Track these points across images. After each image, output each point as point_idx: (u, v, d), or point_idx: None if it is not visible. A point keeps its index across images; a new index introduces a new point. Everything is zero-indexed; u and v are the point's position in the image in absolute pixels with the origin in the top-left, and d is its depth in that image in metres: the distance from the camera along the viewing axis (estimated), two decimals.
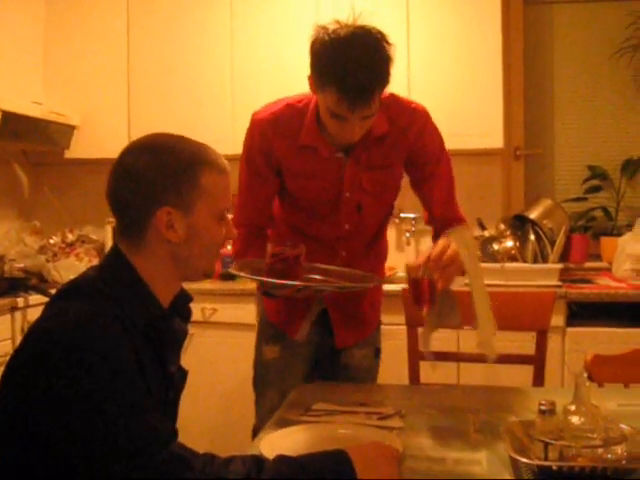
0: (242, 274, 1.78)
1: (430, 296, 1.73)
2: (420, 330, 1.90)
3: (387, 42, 1.73)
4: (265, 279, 1.76)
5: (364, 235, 2.07)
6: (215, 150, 1.37)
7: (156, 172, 1.29)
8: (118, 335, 1.20)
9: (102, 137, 3.67)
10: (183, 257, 1.33)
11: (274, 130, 1.91)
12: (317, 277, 1.87)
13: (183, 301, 1.45)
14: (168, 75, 3.69)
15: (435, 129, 2.01)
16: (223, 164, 1.36)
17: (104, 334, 1.18)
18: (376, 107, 1.75)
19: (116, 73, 3.74)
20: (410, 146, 1.95)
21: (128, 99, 3.73)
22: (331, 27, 1.72)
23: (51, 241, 3.72)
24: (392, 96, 1.92)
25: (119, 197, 1.32)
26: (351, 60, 1.67)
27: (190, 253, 1.33)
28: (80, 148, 3.76)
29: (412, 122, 1.94)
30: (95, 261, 3.64)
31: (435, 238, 2.03)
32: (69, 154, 3.82)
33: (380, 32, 1.73)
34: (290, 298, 1.91)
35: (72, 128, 3.73)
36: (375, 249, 2.15)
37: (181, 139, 1.35)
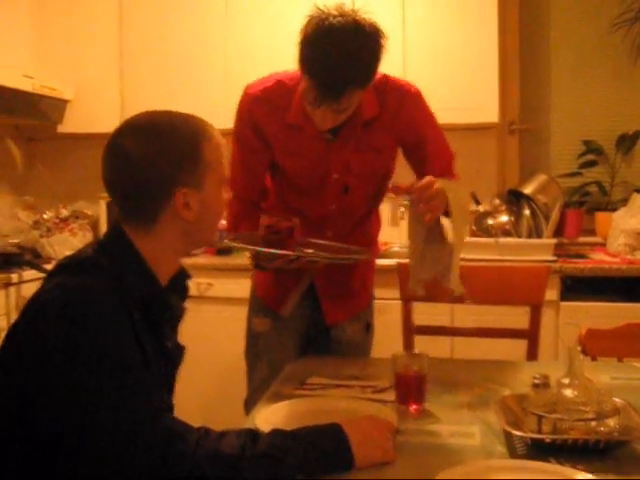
0: (236, 244, 1.78)
1: (417, 394, 1.55)
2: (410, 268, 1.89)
3: (379, 42, 1.69)
4: (259, 249, 1.76)
5: (351, 216, 2.06)
6: (203, 118, 1.37)
7: (164, 158, 1.29)
8: (116, 309, 1.20)
9: (95, 111, 3.65)
10: (194, 232, 1.35)
11: (263, 107, 1.90)
12: (310, 251, 1.87)
13: (181, 278, 1.45)
14: (161, 48, 3.66)
15: (427, 109, 1.97)
16: (216, 131, 1.37)
17: (102, 307, 1.18)
18: (348, 103, 1.73)
19: (109, 46, 3.70)
20: (402, 129, 1.93)
21: (121, 73, 3.70)
22: (327, 12, 1.68)
23: (45, 216, 3.70)
24: (385, 78, 1.90)
25: (127, 187, 1.31)
26: (331, 56, 1.64)
27: (201, 227, 1.35)
28: (73, 122, 3.73)
29: (403, 105, 1.91)
30: (89, 236, 3.63)
31: None
32: (62, 129, 3.78)
33: (375, 29, 1.69)
34: (282, 270, 1.90)
35: (64, 102, 3.70)
36: (363, 229, 2.13)
37: (175, 117, 1.34)
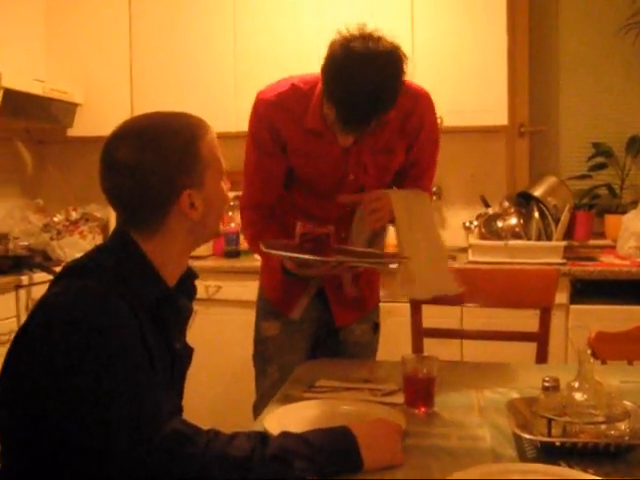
0: (278, 252, 1.77)
1: (427, 397, 1.56)
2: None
3: (401, 69, 1.70)
4: (307, 257, 1.76)
5: None
6: (192, 114, 1.37)
7: (164, 163, 1.28)
8: (122, 312, 1.20)
9: (105, 115, 3.65)
10: (200, 229, 1.36)
11: (279, 111, 1.90)
12: (342, 257, 1.87)
13: (189, 279, 1.45)
14: (170, 52, 3.67)
15: (435, 115, 2.01)
16: (207, 125, 1.37)
17: (108, 310, 1.18)
18: (372, 129, 1.77)
19: (118, 50, 3.72)
20: (412, 130, 1.96)
21: (131, 76, 3.71)
22: (350, 38, 1.68)
23: (55, 219, 3.71)
24: None
25: (129, 195, 1.30)
26: (357, 88, 1.65)
27: (206, 223, 1.36)
28: (83, 126, 3.75)
29: (416, 107, 1.94)
30: (99, 239, 3.64)
31: None
32: (72, 132, 3.80)
33: (397, 55, 1.70)
34: (311, 277, 1.92)
35: (75, 106, 3.72)
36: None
37: (165, 119, 1.34)
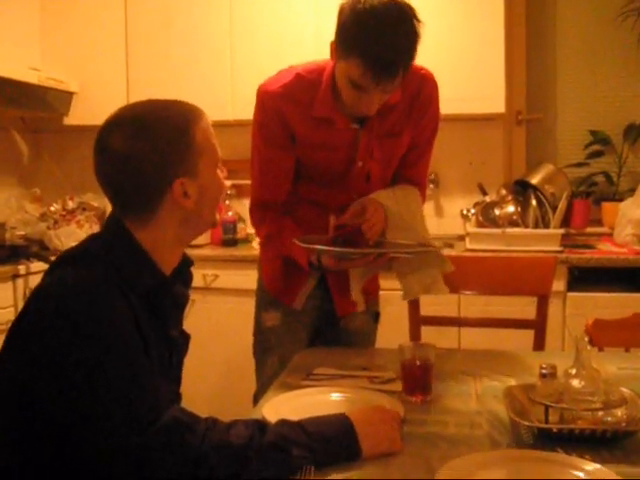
0: (323, 247, 1.78)
1: (424, 384, 1.57)
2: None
3: (417, 19, 1.71)
4: (354, 250, 1.76)
5: None
6: (187, 101, 1.36)
7: (156, 150, 1.27)
8: (116, 301, 1.20)
9: (101, 103, 3.62)
10: (194, 218, 1.34)
11: (286, 102, 1.87)
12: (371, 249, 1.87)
13: (184, 266, 1.44)
14: (167, 40, 3.65)
15: (438, 96, 1.99)
16: (202, 112, 1.35)
17: (102, 300, 1.18)
18: (399, 82, 1.74)
19: (114, 38, 3.70)
20: (420, 111, 1.95)
21: (127, 65, 3.70)
22: None
23: (52, 208, 3.71)
24: None
25: (122, 184, 1.30)
26: (381, 32, 1.65)
27: (201, 212, 1.35)
28: (79, 115, 3.74)
29: (422, 89, 1.93)
30: (96, 228, 3.64)
31: None
32: (68, 121, 3.79)
33: (411, 7, 1.71)
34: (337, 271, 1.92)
35: (70, 94, 3.70)
36: None
37: (159, 106, 1.33)
